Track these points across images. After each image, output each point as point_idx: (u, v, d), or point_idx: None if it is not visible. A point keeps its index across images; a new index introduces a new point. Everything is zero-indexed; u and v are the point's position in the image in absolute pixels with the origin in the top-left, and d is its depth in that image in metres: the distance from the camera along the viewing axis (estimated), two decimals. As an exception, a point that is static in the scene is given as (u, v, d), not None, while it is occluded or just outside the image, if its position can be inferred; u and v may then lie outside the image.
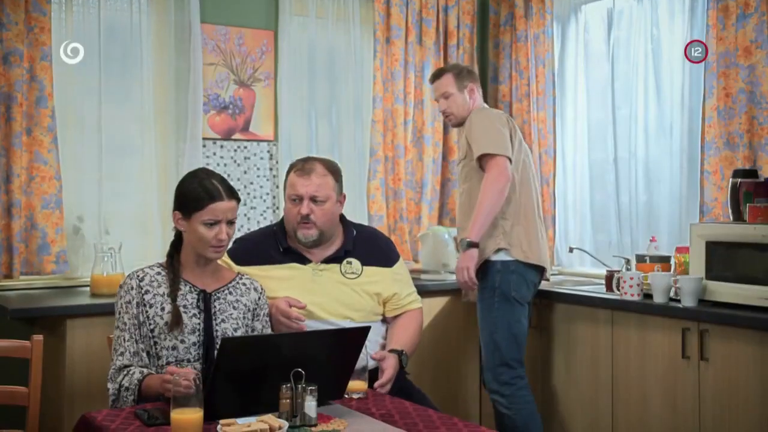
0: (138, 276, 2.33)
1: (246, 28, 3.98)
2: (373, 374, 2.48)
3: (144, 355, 2.27)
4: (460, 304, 3.97)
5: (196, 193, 2.28)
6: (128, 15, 3.65)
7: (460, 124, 3.46)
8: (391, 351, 2.63)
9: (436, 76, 3.50)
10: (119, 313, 2.30)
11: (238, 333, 2.35)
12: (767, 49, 3.28)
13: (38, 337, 2.42)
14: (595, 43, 4.14)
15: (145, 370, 2.22)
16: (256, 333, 2.41)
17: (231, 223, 2.32)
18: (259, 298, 2.45)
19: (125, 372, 2.23)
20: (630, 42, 3.95)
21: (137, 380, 2.18)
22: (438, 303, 3.91)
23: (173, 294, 2.29)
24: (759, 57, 3.30)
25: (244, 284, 2.43)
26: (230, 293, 2.38)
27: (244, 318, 2.38)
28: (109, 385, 2.23)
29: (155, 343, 2.28)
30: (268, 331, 2.46)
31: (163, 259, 2.41)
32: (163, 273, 2.35)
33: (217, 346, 2.27)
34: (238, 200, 2.34)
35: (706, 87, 3.46)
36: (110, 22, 3.64)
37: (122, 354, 2.25)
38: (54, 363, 3.05)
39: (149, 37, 3.71)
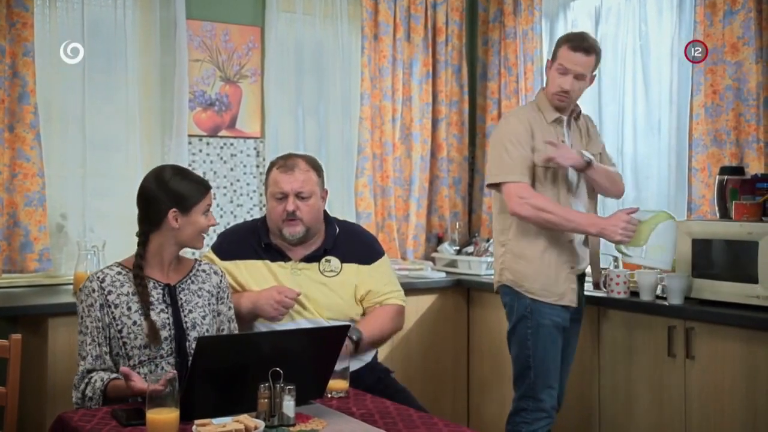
0: (98, 278, 2.29)
1: (232, 24, 3.96)
2: (355, 375, 2.47)
3: (107, 358, 2.24)
4: (448, 303, 3.96)
5: (194, 186, 2.33)
6: (112, 11, 3.62)
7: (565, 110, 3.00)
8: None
9: (587, 50, 2.90)
10: (81, 317, 2.27)
11: (207, 320, 2.34)
12: (754, 45, 3.26)
13: (16, 336, 2.39)
14: (583, 40, 4.12)
15: (105, 376, 2.19)
16: (221, 317, 2.40)
17: None
18: (221, 281, 2.45)
19: (87, 380, 2.20)
20: (618, 38, 3.94)
21: (99, 390, 2.16)
22: (425, 301, 3.90)
23: (145, 309, 2.25)
24: (746, 53, 3.29)
25: (204, 271, 2.43)
26: (192, 282, 2.38)
27: (209, 304, 2.38)
28: (73, 393, 2.21)
29: (124, 343, 2.25)
30: (231, 314, 2.45)
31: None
32: (124, 272, 2.32)
33: (189, 338, 2.28)
34: None
35: (694, 84, 3.45)
36: (94, 17, 3.60)
37: (84, 358, 2.23)
38: (36, 362, 3.03)
39: (134, 33, 3.68)
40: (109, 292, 2.27)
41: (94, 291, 2.27)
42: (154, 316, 2.26)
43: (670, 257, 2.86)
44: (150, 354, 2.25)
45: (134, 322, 2.25)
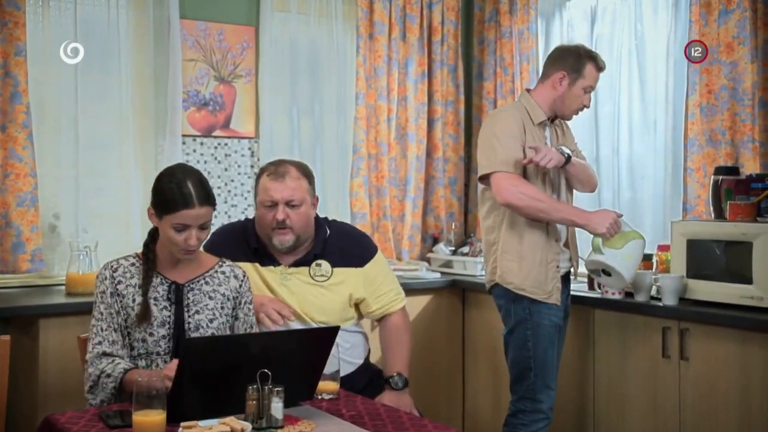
0: (112, 267, 2.31)
1: (226, 23, 3.94)
2: (346, 378, 2.46)
3: (122, 344, 2.25)
4: (443, 303, 3.94)
5: (170, 195, 2.21)
6: (105, 10, 3.60)
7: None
8: (386, 382, 2.68)
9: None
10: (95, 303, 2.29)
11: (214, 324, 2.30)
12: (749, 45, 3.25)
13: (5, 338, 2.38)
14: (579, 40, 4.09)
15: (130, 365, 2.19)
16: (238, 321, 2.38)
17: (203, 227, 2.26)
18: (241, 286, 2.39)
19: (110, 360, 2.19)
20: (613, 38, 3.93)
21: (122, 369, 2.14)
22: (420, 302, 3.89)
23: (145, 286, 2.26)
24: (741, 53, 3.27)
25: (223, 272, 2.38)
26: (206, 283, 2.34)
27: (222, 308, 2.34)
28: (90, 369, 2.18)
29: (128, 333, 2.26)
30: (252, 319, 2.41)
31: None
32: (138, 264, 2.32)
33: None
34: (213, 205, 2.28)
35: (689, 83, 3.43)
36: (87, 17, 3.59)
37: (100, 343, 2.22)
38: (27, 363, 3.02)
39: (127, 33, 3.66)
40: (119, 282, 2.28)
41: (106, 279, 2.29)
42: (156, 312, 2.26)
43: (633, 274, 2.91)
44: (148, 348, 2.25)
45: (137, 314, 2.25)
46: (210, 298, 2.33)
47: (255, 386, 1.90)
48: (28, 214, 3.35)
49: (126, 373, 2.14)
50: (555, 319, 2.95)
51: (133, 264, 2.32)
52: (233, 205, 3.99)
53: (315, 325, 2.59)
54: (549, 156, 2.83)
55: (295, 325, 2.59)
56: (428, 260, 4.32)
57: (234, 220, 3.91)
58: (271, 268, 2.66)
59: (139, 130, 3.71)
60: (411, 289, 3.80)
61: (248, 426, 1.83)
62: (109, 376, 2.15)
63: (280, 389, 1.90)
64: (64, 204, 3.56)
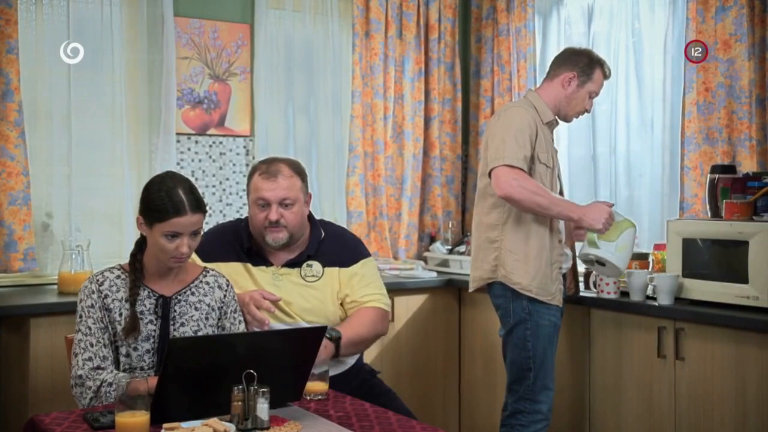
0: (98, 280, 2.26)
1: (221, 21, 3.92)
2: (339, 378, 2.42)
3: (111, 358, 2.21)
4: (439, 302, 3.92)
5: (161, 203, 2.18)
6: (98, 7, 3.58)
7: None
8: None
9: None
10: (81, 317, 2.23)
11: (199, 335, 2.27)
12: (746, 42, 3.22)
13: (-9, 338, 2.37)
14: (576, 37, 4.08)
15: (128, 375, 2.14)
16: (226, 332, 2.34)
17: (195, 234, 2.23)
18: (225, 296, 2.36)
19: (108, 370, 2.17)
20: (610, 36, 3.90)
21: (123, 377, 2.08)
22: (416, 301, 3.86)
23: (132, 298, 2.22)
24: (738, 50, 3.24)
25: (207, 283, 2.35)
26: (192, 294, 2.31)
27: (207, 319, 2.31)
28: (89, 383, 2.14)
29: (116, 348, 2.23)
30: (241, 329, 2.38)
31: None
32: (123, 276, 2.27)
33: None
34: (204, 212, 2.25)
35: (686, 81, 3.40)
36: (80, 14, 3.56)
37: (91, 359, 2.17)
38: (18, 363, 3.00)
39: (121, 30, 3.64)
40: (106, 296, 2.24)
41: (93, 293, 2.23)
42: (141, 326, 2.23)
43: (627, 264, 2.85)
44: (131, 364, 2.22)
45: (123, 329, 2.22)
46: (196, 309, 2.30)
47: (240, 387, 1.88)
48: (20, 213, 3.34)
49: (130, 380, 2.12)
50: (554, 319, 2.92)
51: (118, 277, 2.27)
52: (228, 204, 3.97)
53: (303, 325, 2.57)
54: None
55: (284, 326, 2.57)
56: (425, 259, 4.29)
57: (229, 218, 3.90)
58: (263, 268, 2.63)
59: (132, 128, 3.69)
60: (407, 288, 3.79)
61: (231, 427, 1.81)
62: (111, 384, 2.12)
63: (265, 390, 1.88)
64: (57, 203, 3.54)
